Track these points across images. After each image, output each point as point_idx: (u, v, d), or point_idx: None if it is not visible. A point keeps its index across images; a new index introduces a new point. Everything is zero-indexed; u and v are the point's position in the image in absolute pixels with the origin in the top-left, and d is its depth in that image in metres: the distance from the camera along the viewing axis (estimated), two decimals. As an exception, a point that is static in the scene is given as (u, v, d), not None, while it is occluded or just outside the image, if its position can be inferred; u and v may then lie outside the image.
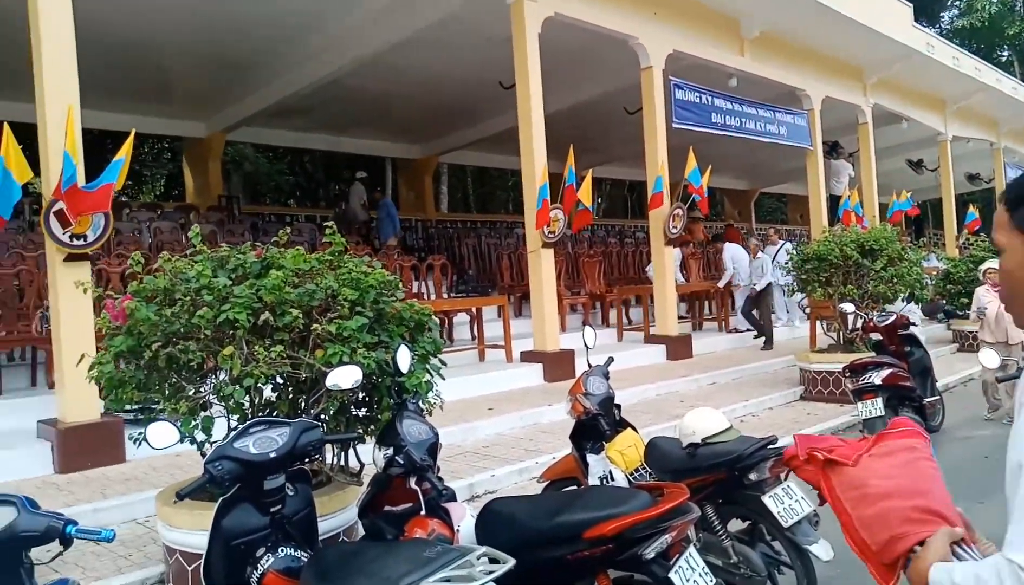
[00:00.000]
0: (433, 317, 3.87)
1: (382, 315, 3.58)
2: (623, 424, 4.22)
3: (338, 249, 3.71)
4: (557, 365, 9.10)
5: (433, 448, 3.03)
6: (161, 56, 10.97)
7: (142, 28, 9.88)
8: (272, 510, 2.79)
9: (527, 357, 9.35)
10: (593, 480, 4.02)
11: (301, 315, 3.20)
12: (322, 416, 3.44)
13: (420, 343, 3.71)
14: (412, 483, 2.99)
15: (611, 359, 4.52)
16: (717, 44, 11.92)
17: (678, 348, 10.84)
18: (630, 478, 3.94)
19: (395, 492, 3.06)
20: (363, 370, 3.27)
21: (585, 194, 9.44)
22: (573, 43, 10.61)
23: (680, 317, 12.40)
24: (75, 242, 5.56)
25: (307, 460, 2.99)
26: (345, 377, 2.96)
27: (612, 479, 3.99)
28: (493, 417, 7.28)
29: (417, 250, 14.04)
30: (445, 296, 10.48)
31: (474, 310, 9.74)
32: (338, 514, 3.38)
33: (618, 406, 4.32)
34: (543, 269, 9.25)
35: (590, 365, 4.35)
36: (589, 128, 14.97)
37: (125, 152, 5.55)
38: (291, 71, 11.90)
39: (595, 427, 4.00)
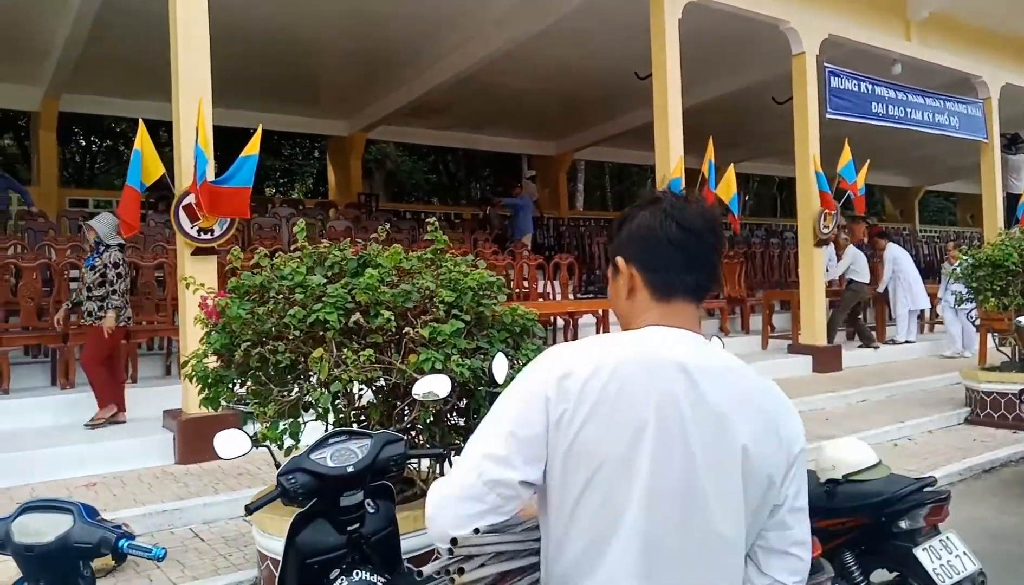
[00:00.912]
0: (538, 322, 3.54)
1: (482, 319, 3.31)
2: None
3: (439, 247, 3.47)
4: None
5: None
6: (308, 56, 11.26)
7: (290, 29, 10.15)
8: (349, 528, 2.58)
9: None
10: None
11: (393, 317, 2.98)
12: (417, 425, 3.22)
13: (523, 350, 3.41)
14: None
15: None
16: (879, 27, 10.88)
17: (826, 359, 9.98)
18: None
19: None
20: (457, 378, 3.02)
21: (726, 190, 8.82)
22: (716, 30, 10.00)
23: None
24: (202, 236, 5.67)
25: (391, 475, 2.77)
26: (432, 386, 2.71)
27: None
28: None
29: (548, 249, 13.79)
30: (572, 297, 10.14)
31: (600, 312, 9.36)
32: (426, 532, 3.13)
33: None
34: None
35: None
36: (733, 121, 14.18)
37: (253, 149, 5.59)
38: (429, 68, 11.95)
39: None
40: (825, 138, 10.07)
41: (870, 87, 10.81)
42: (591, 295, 9.72)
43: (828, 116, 10.14)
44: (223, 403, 3.32)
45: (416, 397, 2.70)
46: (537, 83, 12.82)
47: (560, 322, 9.73)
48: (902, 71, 11.16)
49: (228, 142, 11.25)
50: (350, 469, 2.54)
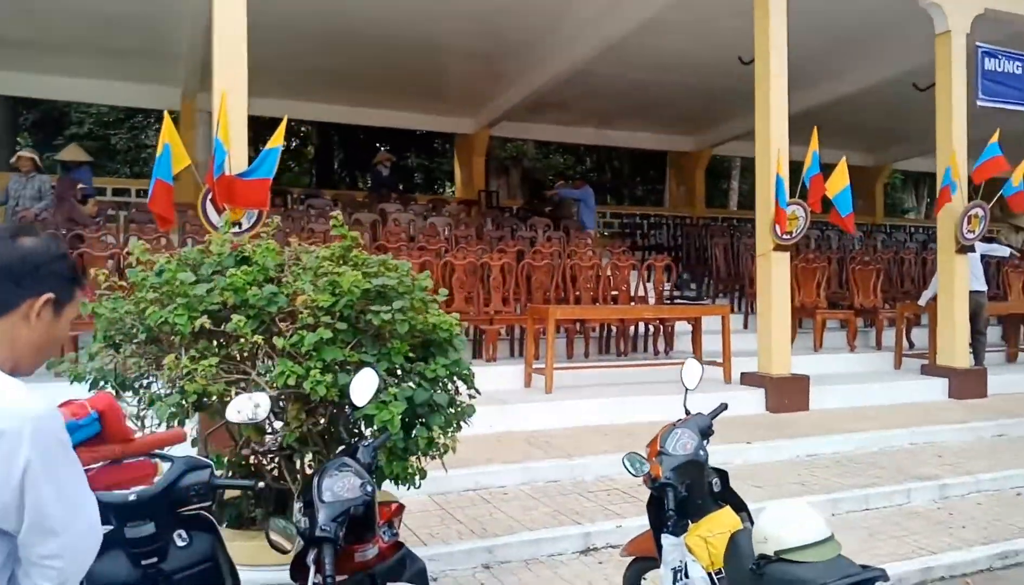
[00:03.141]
0: (457, 333, 3.07)
1: (379, 329, 2.89)
2: (723, 499, 3.07)
3: (348, 244, 3.09)
4: (782, 392, 7.65)
5: (348, 514, 2.29)
6: (429, 52, 11.21)
7: (418, 25, 10.12)
8: (144, 563, 2.28)
9: (747, 380, 7.97)
10: (666, 571, 2.97)
11: (245, 322, 2.64)
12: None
13: (434, 365, 2.96)
14: (309, 558, 2.30)
15: (723, 406, 3.35)
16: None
17: (965, 384, 8.58)
18: (713, 578, 2.83)
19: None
20: (312, 397, 2.62)
21: (836, 184, 7.74)
22: (843, 10, 8.88)
23: (989, 346, 9.91)
24: (231, 229, 5.62)
25: (205, 505, 2.43)
26: (241, 407, 2.33)
27: (686, 576, 2.91)
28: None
29: (669, 250, 13.01)
30: (667, 302, 9.37)
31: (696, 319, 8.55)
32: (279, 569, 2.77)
33: (721, 474, 3.16)
34: (773, 276, 7.81)
35: (688, 412, 3.24)
36: (870, 111, 12.72)
37: (277, 141, 5.48)
38: (545, 60, 11.55)
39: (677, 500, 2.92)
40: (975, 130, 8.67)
41: (1037, 69, 9.18)
42: (688, 300, 8.89)
43: (979, 103, 8.70)
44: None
45: (230, 421, 2.34)
46: (656, 73, 12.08)
47: (649, 328, 9.02)
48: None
49: (365, 139, 11.22)
50: (131, 498, 2.24)
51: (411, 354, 2.97)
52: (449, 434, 3.15)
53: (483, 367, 7.65)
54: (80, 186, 8.88)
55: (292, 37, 10.20)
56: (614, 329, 8.86)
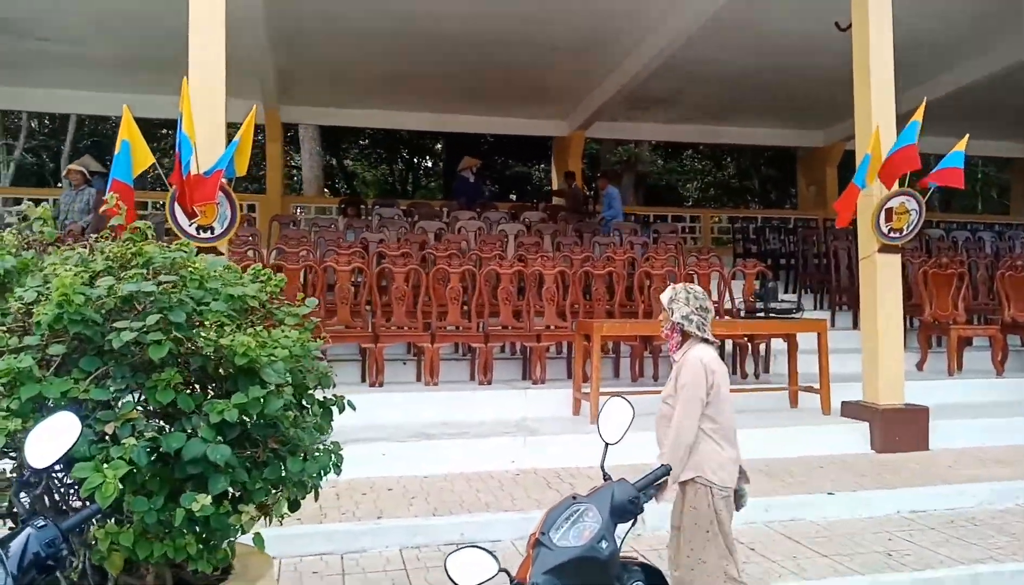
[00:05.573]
0: (272, 358, 2.18)
1: (139, 355, 2.06)
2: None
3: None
4: (891, 427, 6.19)
5: None
6: (516, 52, 10.48)
7: (498, 21, 9.51)
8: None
9: (848, 411, 6.54)
10: None
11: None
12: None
13: (218, 407, 2.08)
14: None
15: (664, 471, 2.24)
16: None
17: None
18: None
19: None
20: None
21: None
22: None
23: None
24: (202, 234, 5.04)
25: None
26: None
27: None
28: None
29: (773, 256, 11.49)
30: (760, 315, 7.98)
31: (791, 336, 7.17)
32: None
33: (652, 577, 2.09)
34: (880, 283, 6.36)
35: (607, 477, 2.19)
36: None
37: (240, 135, 4.84)
38: (633, 51, 10.56)
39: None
40: None
41: None
42: (779, 314, 7.44)
43: None
44: None
45: None
46: (762, 58, 10.72)
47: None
48: None
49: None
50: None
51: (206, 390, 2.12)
52: (277, 501, 2.28)
53: (523, 390, 6.71)
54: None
55: (389, 43, 10.06)
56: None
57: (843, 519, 4.86)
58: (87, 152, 13.76)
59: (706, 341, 2.94)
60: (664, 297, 3.01)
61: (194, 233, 5.06)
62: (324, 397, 2.62)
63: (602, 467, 2.22)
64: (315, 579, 3.95)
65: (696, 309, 2.93)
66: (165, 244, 2.43)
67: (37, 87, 11.83)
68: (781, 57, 10.69)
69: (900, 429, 6.20)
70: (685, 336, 2.94)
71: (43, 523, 1.68)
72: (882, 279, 6.35)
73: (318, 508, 4.58)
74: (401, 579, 3.94)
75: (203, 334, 2.13)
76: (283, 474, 2.30)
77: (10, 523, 2.09)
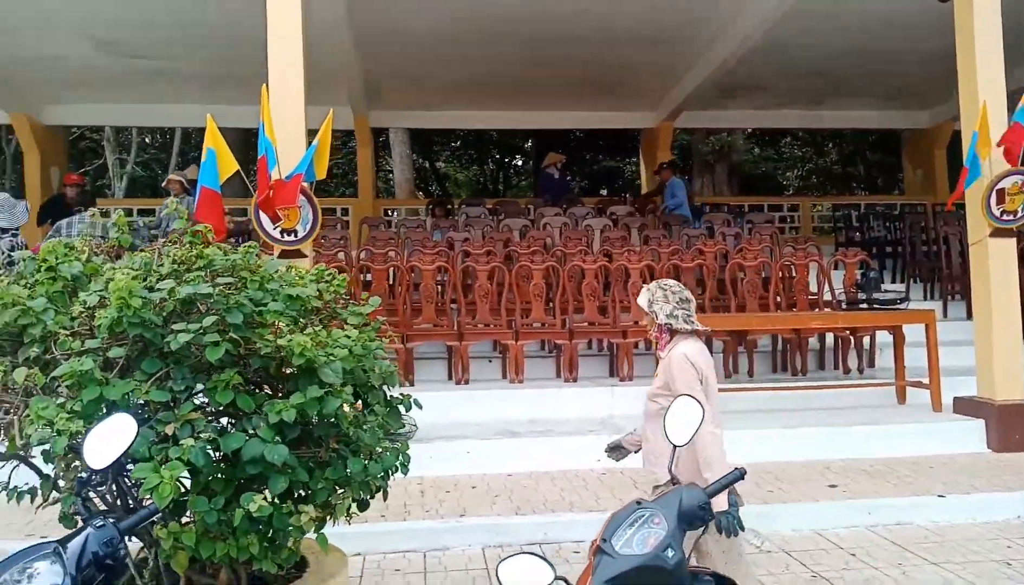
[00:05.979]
0: (325, 359, 2.17)
1: (197, 357, 2.08)
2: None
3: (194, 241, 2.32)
4: (1010, 424, 5.74)
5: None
6: (596, 43, 10.33)
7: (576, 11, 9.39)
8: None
9: (961, 407, 6.09)
10: None
11: None
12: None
13: (276, 407, 2.08)
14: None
15: (739, 474, 2.08)
16: None
17: None
18: None
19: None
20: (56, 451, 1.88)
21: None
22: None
23: None
24: (285, 237, 5.16)
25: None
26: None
27: None
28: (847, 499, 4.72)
29: (879, 244, 10.89)
30: (864, 307, 7.54)
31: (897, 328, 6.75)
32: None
33: (722, 582, 1.95)
34: (993, 270, 5.90)
35: (675, 480, 2.06)
36: None
37: (318, 138, 4.91)
38: (718, 37, 10.19)
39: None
40: None
41: None
42: (883, 304, 6.97)
43: None
44: None
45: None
46: (855, 37, 10.17)
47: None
48: None
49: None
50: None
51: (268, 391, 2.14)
52: (342, 501, 2.27)
53: (609, 387, 6.59)
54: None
55: (474, 46, 10.09)
56: (787, 343, 7.29)
57: (955, 524, 4.52)
58: (193, 162, 14.39)
59: (695, 332, 2.86)
60: (642, 301, 2.94)
61: (279, 236, 5.18)
62: (390, 396, 2.60)
63: (670, 470, 2.10)
64: (397, 576, 3.96)
65: (677, 304, 2.87)
66: (232, 246, 2.46)
67: (138, 103, 12.44)
68: (872, 36, 10.12)
69: (1019, 426, 5.74)
70: (673, 333, 2.85)
71: (102, 523, 1.71)
72: (995, 265, 5.89)
73: (402, 505, 4.63)
74: (483, 578, 3.91)
75: (261, 334, 2.13)
76: (347, 474, 2.28)
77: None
